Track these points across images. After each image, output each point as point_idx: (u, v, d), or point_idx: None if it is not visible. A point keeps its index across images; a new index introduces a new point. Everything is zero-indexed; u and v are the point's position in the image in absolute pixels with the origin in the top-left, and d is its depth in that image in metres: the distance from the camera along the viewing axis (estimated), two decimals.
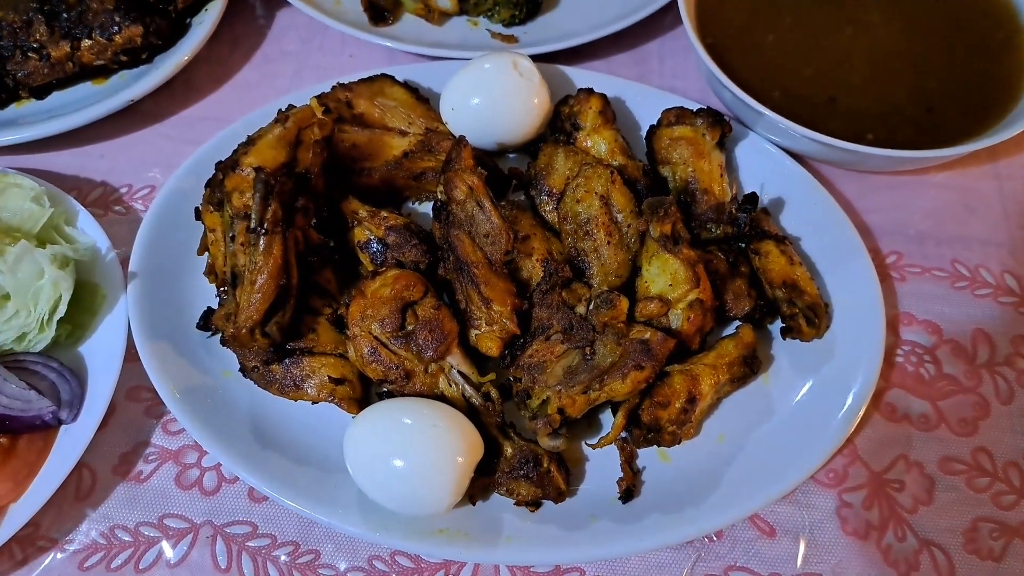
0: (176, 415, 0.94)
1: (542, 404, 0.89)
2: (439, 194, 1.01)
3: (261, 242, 0.90)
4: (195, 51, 1.23)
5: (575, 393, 0.88)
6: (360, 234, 1.01)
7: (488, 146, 1.12)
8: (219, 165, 0.97)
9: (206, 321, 1.00)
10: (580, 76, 1.19)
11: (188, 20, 1.27)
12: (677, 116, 1.08)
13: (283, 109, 1.02)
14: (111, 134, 1.23)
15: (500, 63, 1.08)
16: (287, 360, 0.95)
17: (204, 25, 1.24)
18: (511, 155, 1.17)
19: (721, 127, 1.07)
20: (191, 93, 1.28)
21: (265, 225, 0.90)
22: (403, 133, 1.11)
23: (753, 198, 1.02)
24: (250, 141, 0.96)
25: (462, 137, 0.99)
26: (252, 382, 0.96)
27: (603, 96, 1.10)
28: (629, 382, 0.87)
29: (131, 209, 1.17)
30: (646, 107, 1.16)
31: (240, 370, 0.97)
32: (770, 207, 1.09)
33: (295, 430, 0.96)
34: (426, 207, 1.13)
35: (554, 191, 1.05)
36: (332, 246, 1.02)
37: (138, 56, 1.22)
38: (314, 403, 0.95)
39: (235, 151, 0.96)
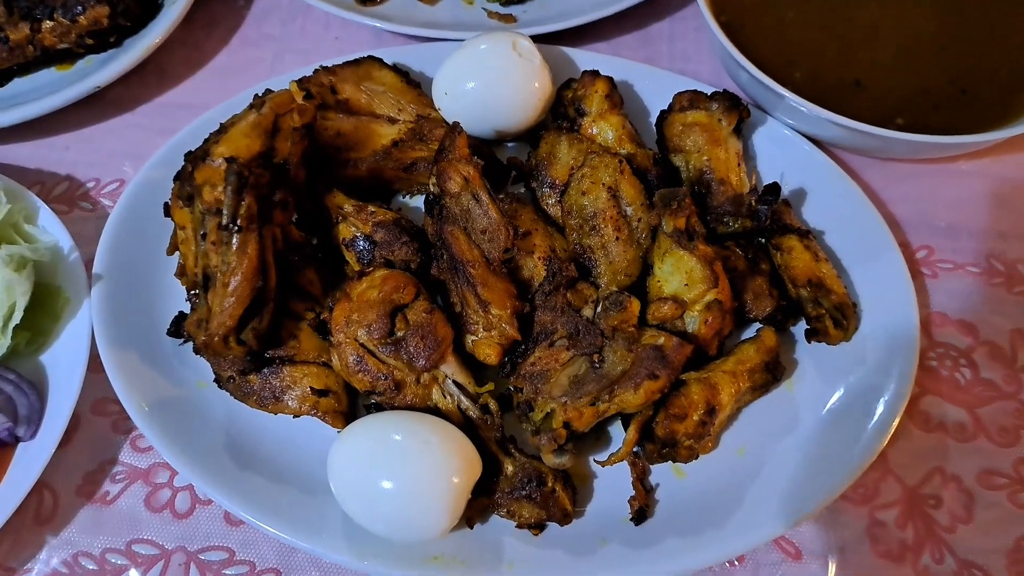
0: (144, 431, 0.85)
1: (546, 417, 0.81)
2: (431, 186, 0.92)
3: (234, 240, 0.81)
4: (167, 33, 1.14)
5: (582, 405, 0.80)
6: (345, 231, 0.93)
7: (485, 134, 1.03)
8: (188, 156, 0.88)
9: (177, 327, 0.92)
10: (584, 58, 1.10)
11: (160, 0, 1.18)
12: (690, 100, 0.99)
13: (260, 94, 0.93)
14: (77, 124, 1.14)
15: (498, 44, 0.99)
16: (266, 370, 0.87)
17: (177, 5, 1.15)
18: (510, 143, 1.08)
19: (738, 111, 0.98)
20: (164, 79, 1.19)
21: (238, 221, 0.81)
22: (392, 120, 1.02)
23: (774, 188, 0.93)
24: (222, 129, 0.87)
25: (456, 124, 0.91)
26: (228, 393, 0.88)
27: (609, 79, 1.01)
28: (642, 393, 0.79)
29: (98, 205, 1.08)
30: (656, 91, 1.08)
31: (215, 380, 0.89)
32: (791, 198, 1.00)
33: (275, 446, 0.88)
34: (418, 201, 1.04)
35: (557, 182, 0.96)
36: (315, 244, 0.94)
37: (105, 39, 1.13)
38: (296, 417, 0.87)
39: (206, 140, 0.88)
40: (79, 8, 1.08)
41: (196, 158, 0.86)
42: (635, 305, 0.83)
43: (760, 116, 1.05)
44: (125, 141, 1.14)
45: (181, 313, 0.93)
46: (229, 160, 0.82)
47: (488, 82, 0.99)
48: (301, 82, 1.01)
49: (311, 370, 0.86)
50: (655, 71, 1.09)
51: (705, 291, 0.84)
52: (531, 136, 1.04)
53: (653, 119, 1.06)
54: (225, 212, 0.81)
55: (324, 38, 1.23)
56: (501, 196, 0.95)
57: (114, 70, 1.10)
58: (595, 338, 0.82)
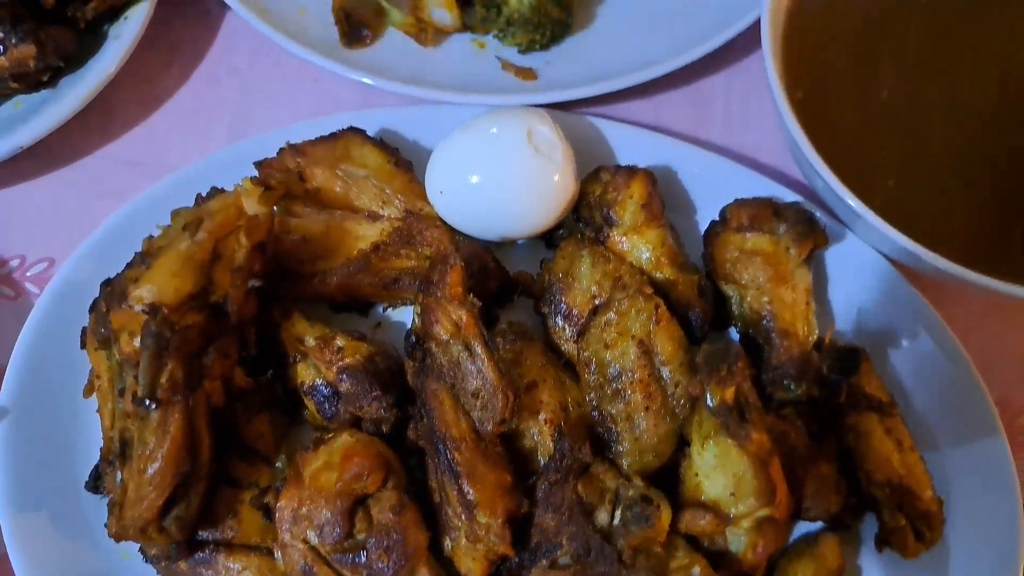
0: None
1: None
2: (415, 315, 0.73)
3: (153, 417, 0.63)
4: (110, 74, 0.93)
5: None
6: (304, 373, 0.74)
7: (488, 238, 0.83)
8: (104, 287, 0.69)
9: (97, 480, 0.75)
10: (617, 133, 0.88)
11: (105, 27, 0.96)
12: (751, 218, 0.78)
13: (202, 194, 0.73)
14: None
15: (510, 129, 0.78)
16: (197, 555, 0.70)
17: (123, 39, 0.93)
18: (520, 241, 0.88)
19: (813, 239, 0.77)
20: (109, 124, 0.97)
21: (158, 394, 0.63)
22: (374, 217, 0.82)
23: (854, 356, 0.73)
24: (145, 255, 0.68)
25: (449, 254, 0.70)
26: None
27: (649, 179, 0.80)
28: None
29: (22, 292, 0.90)
30: (708, 180, 0.86)
31: (140, 551, 0.73)
32: (867, 341, 0.79)
33: None
34: (402, 314, 0.85)
35: (574, 312, 0.77)
36: (266, 384, 0.76)
37: (36, 80, 0.92)
38: None
39: (128, 265, 0.69)
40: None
41: (112, 295, 0.67)
42: (665, 518, 0.64)
43: (836, 229, 0.83)
44: (58, 205, 0.93)
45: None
46: (150, 310, 0.63)
47: (496, 179, 0.78)
48: (263, 166, 0.80)
49: (252, 561, 0.70)
50: (708, 157, 0.87)
51: (757, 507, 0.65)
52: (547, 236, 0.84)
53: (700, 216, 0.86)
54: (141, 382, 0.63)
55: (301, 78, 0.99)
56: (502, 326, 0.77)
57: (45, 124, 0.89)
58: (611, 566, 0.64)
